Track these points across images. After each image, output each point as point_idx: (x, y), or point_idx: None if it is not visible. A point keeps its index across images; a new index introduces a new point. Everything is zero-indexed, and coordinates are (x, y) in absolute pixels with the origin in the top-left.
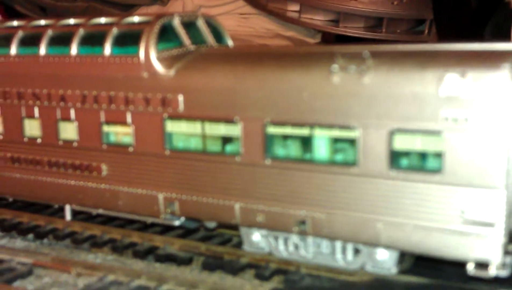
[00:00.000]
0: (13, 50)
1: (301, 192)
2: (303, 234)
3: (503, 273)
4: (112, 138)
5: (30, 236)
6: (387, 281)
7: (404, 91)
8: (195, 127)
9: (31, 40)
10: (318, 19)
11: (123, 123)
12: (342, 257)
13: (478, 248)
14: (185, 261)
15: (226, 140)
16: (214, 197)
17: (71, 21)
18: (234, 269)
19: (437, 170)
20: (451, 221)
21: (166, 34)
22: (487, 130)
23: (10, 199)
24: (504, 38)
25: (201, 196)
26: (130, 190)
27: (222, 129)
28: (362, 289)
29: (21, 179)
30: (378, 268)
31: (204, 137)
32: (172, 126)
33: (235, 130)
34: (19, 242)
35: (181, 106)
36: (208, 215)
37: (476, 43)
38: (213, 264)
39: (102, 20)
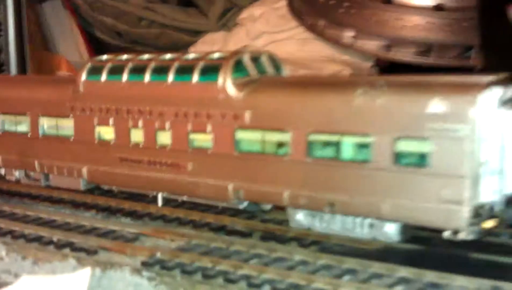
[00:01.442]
0: (124, 77)
1: (333, 181)
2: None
3: (469, 237)
4: (196, 144)
5: (130, 218)
6: (393, 248)
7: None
8: (257, 135)
9: (138, 70)
10: (372, 44)
11: (205, 131)
12: (360, 230)
13: (453, 220)
14: (247, 235)
15: (280, 144)
16: (270, 186)
17: (168, 56)
18: (283, 239)
19: (425, 165)
20: (435, 201)
21: (239, 66)
22: (458, 138)
23: (115, 190)
24: None
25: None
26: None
27: (277, 136)
28: (374, 253)
29: (127, 175)
30: (386, 238)
31: (263, 142)
32: (241, 135)
33: (286, 137)
34: (123, 220)
35: (247, 119)
36: (265, 199)
37: (459, 76)
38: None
39: (191, 56)
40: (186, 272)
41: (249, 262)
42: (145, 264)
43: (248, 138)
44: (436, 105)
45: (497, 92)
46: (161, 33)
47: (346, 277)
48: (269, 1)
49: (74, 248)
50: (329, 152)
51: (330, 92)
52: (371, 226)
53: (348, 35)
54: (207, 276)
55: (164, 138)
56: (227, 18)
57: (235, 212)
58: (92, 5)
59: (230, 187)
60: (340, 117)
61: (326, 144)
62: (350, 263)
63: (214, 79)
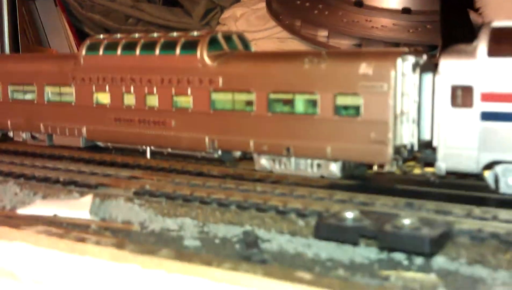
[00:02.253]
0: (119, 52)
1: (288, 131)
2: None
3: (392, 169)
4: (179, 104)
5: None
6: (336, 183)
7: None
8: (228, 96)
9: (130, 46)
10: (344, 43)
11: (186, 94)
12: (311, 170)
13: (380, 156)
14: (220, 177)
15: (247, 103)
16: (239, 136)
17: (155, 34)
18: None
19: (358, 115)
20: (366, 142)
21: (213, 43)
22: (382, 93)
23: (111, 147)
24: None
25: (231, 136)
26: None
27: (244, 96)
28: (323, 188)
29: (121, 132)
30: (331, 175)
31: (233, 101)
32: (215, 96)
33: (251, 96)
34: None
35: (220, 84)
36: (235, 147)
37: (384, 48)
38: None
39: (174, 34)
40: (170, 198)
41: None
42: (137, 194)
43: (221, 98)
44: (366, 68)
45: (410, 59)
46: (146, 31)
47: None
48: (249, 3)
49: (77, 184)
50: (285, 108)
51: (285, 60)
52: (319, 166)
53: (322, 34)
54: (187, 200)
55: (152, 100)
56: (210, 18)
57: (211, 161)
58: (82, 3)
59: (207, 138)
60: (293, 80)
61: (283, 101)
62: (299, 191)
63: (194, 52)
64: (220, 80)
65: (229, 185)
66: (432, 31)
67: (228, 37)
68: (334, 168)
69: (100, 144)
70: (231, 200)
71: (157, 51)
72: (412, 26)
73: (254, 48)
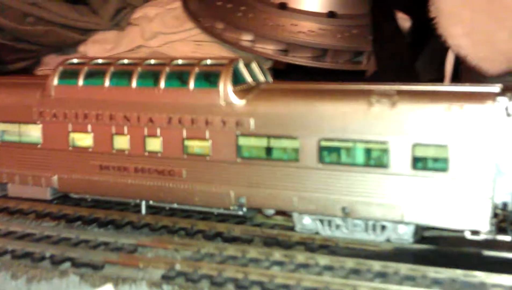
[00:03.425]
0: (107, 82)
1: (345, 187)
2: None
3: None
4: (192, 150)
5: (110, 226)
6: (405, 249)
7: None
8: (262, 142)
9: (121, 75)
10: (270, 48)
11: (203, 138)
12: (373, 232)
13: (474, 221)
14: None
15: (289, 151)
16: (277, 192)
17: (152, 61)
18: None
19: (445, 169)
20: (455, 203)
21: (236, 73)
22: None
23: (89, 199)
24: (434, 70)
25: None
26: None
27: (284, 143)
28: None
29: (108, 183)
30: (400, 240)
31: (269, 149)
32: (243, 141)
33: (296, 143)
34: (103, 231)
35: (252, 126)
36: (270, 205)
37: (463, 85)
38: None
39: (179, 62)
40: (216, 284)
41: (281, 268)
42: (166, 278)
43: (252, 144)
44: (456, 111)
45: (503, 102)
46: (48, 31)
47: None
48: (163, 2)
49: (74, 263)
50: (341, 158)
51: (343, 99)
52: (383, 228)
53: (246, 38)
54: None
55: (155, 144)
56: (120, 17)
57: (224, 218)
58: None
59: (232, 193)
60: (355, 124)
61: (339, 150)
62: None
63: (214, 86)
64: (251, 122)
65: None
66: (358, 36)
67: (247, 66)
68: (406, 232)
69: (74, 195)
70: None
71: (162, 83)
72: (339, 31)
73: (169, 50)
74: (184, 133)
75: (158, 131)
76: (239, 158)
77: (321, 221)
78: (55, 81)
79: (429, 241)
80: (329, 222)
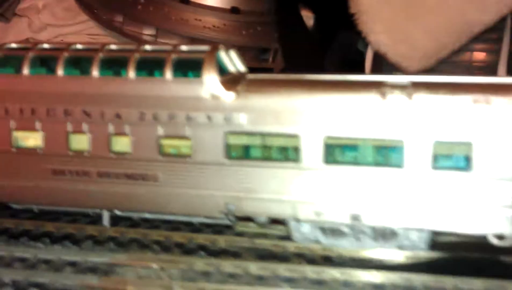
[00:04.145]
0: (60, 71)
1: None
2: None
3: None
4: (170, 150)
5: (66, 242)
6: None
7: None
8: (256, 140)
9: (79, 63)
10: (174, 43)
11: (183, 137)
12: (382, 240)
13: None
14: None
15: (288, 150)
16: (274, 197)
17: (113, 46)
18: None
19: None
20: (482, 206)
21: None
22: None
23: (36, 210)
24: (342, 67)
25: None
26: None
27: (285, 141)
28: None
29: (63, 190)
30: (412, 249)
31: (265, 148)
32: (234, 140)
33: (298, 142)
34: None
35: (244, 123)
36: (265, 212)
37: (487, 77)
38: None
39: (149, 47)
40: None
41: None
42: None
43: (244, 143)
44: (483, 103)
45: None
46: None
47: None
48: None
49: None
50: (352, 158)
51: (350, 90)
52: (393, 235)
53: (148, 32)
54: None
55: (122, 144)
56: (5, 8)
57: (197, 228)
58: None
59: (219, 199)
60: (365, 119)
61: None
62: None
63: (196, 76)
64: (243, 118)
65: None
66: (263, 33)
67: (227, 53)
68: (419, 238)
69: (15, 206)
70: None
71: (131, 73)
72: (244, 28)
73: None
74: (160, 131)
75: (127, 128)
76: (228, 159)
77: (323, 229)
78: None
79: (442, 247)
80: (332, 230)
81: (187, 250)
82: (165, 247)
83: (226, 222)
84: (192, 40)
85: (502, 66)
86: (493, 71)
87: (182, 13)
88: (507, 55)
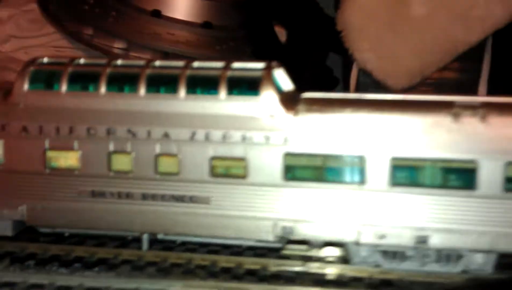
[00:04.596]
0: (102, 88)
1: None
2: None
3: None
4: (223, 171)
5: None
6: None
7: None
8: (317, 161)
9: (120, 80)
10: (146, 57)
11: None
12: (445, 263)
13: None
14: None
15: (349, 172)
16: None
17: (160, 63)
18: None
19: None
20: None
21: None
22: None
23: (67, 234)
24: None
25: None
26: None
27: (346, 162)
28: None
29: (102, 212)
30: (477, 271)
31: (324, 169)
32: (292, 161)
33: (362, 162)
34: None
35: (303, 143)
36: (322, 235)
37: None
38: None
39: (198, 64)
40: None
41: None
42: None
43: (303, 164)
44: None
45: None
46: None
47: None
48: (17, 3)
49: None
50: (419, 179)
51: (417, 111)
52: (459, 258)
53: (119, 46)
54: None
55: (170, 165)
56: None
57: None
58: None
59: (275, 222)
60: (435, 139)
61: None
62: None
63: (254, 94)
64: (304, 139)
65: None
66: (236, 49)
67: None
68: (486, 261)
69: (45, 230)
70: None
71: (182, 91)
72: (217, 42)
73: (25, 56)
74: (212, 151)
75: (176, 148)
76: (286, 180)
77: (384, 252)
78: (25, 86)
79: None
80: (394, 253)
81: (235, 276)
82: (211, 273)
83: (269, 245)
84: (165, 55)
85: (482, 86)
86: (473, 90)
87: (155, 26)
88: (487, 74)
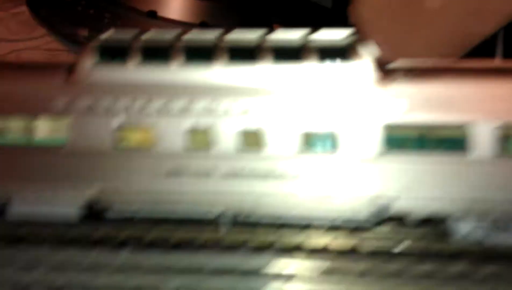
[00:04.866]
0: (177, 62)
1: None
2: None
3: None
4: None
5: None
6: None
7: None
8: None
9: (200, 52)
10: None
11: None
12: None
13: None
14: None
15: (452, 141)
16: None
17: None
18: None
19: None
20: None
21: None
22: None
23: (136, 219)
24: None
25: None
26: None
27: (452, 131)
28: None
29: (177, 192)
30: None
31: (425, 139)
32: (393, 131)
33: (468, 130)
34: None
35: (404, 113)
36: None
37: None
38: None
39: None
40: None
41: None
42: None
43: (404, 135)
44: None
45: None
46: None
47: None
48: (6, 6)
49: None
50: None
51: None
52: None
53: None
54: None
55: (254, 140)
56: None
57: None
58: None
59: (373, 200)
60: None
61: None
62: None
63: (347, 60)
64: (404, 108)
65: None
66: None
67: None
68: None
69: (111, 215)
70: None
71: (268, 59)
72: None
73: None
74: (302, 124)
75: (260, 122)
76: (385, 153)
77: (489, 226)
78: (91, 61)
79: None
80: (500, 228)
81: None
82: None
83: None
84: None
85: None
86: None
87: (151, 27)
88: None
